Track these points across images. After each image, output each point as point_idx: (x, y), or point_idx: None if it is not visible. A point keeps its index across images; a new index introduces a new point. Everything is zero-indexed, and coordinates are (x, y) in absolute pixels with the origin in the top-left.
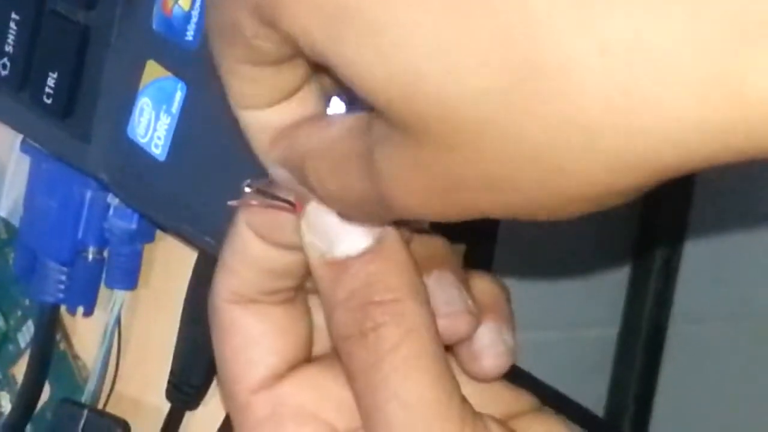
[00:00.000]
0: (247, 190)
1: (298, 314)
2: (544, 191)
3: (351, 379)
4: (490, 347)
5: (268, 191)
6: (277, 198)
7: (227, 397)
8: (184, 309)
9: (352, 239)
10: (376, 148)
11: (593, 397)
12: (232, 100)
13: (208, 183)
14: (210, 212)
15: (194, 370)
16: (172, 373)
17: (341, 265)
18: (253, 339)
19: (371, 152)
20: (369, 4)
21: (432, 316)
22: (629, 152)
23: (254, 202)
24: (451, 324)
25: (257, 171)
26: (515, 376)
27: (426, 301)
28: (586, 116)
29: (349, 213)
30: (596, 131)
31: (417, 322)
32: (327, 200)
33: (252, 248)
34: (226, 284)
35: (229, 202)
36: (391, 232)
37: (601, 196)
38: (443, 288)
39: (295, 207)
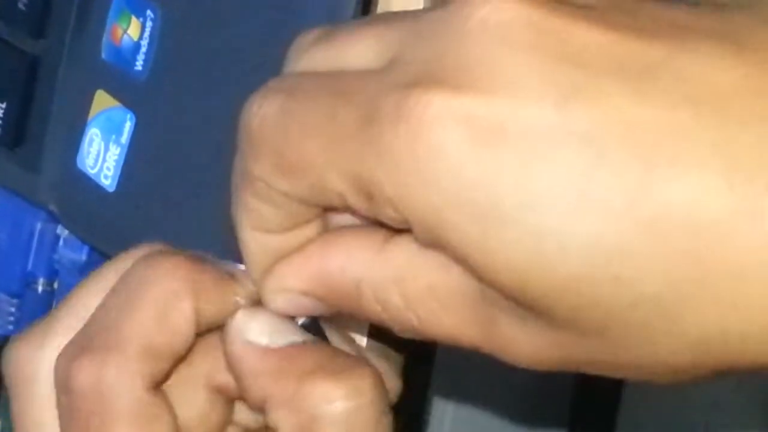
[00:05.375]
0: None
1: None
2: (679, 376)
3: None
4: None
5: None
6: None
7: None
8: None
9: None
10: (501, 315)
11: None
12: (242, 219)
13: (158, 214)
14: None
15: None
16: None
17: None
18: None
19: (491, 311)
20: (533, 212)
21: None
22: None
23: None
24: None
25: (205, 202)
26: None
27: None
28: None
29: (419, 337)
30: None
31: None
32: (402, 329)
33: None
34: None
35: None
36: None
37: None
38: None
39: None
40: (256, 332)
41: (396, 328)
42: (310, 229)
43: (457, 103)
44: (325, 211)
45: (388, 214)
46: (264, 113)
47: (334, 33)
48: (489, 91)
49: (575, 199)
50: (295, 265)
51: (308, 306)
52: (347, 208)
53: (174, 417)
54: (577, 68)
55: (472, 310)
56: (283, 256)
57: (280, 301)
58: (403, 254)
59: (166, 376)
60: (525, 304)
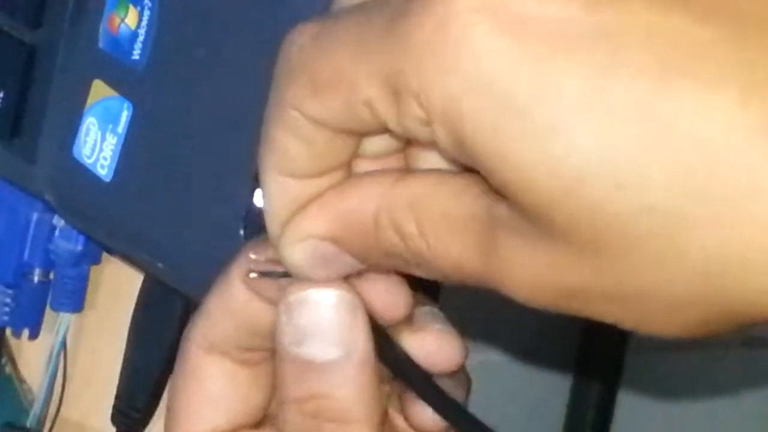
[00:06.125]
0: (252, 275)
1: (261, 380)
2: (680, 313)
3: None
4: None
5: (270, 272)
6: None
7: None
8: (130, 332)
9: (321, 345)
10: (503, 234)
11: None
12: (268, 160)
13: (154, 204)
14: (155, 234)
15: (139, 395)
16: (117, 397)
17: (305, 363)
18: (209, 394)
19: (493, 233)
20: (545, 106)
21: None
22: None
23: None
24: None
25: (202, 192)
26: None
27: (379, 422)
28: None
29: (429, 272)
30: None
31: None
32: (416, 260)
33: (239, 302)
34: (202, 330)
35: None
36: (362, 347)
37: (740, 322)
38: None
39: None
40: None
41: (409, 261)
42: (335, 178)
43: None
44: (356, 141)
45: (414, 113)
46: (302, 40)
47: None
48: None
49: (587, 95)
50: (314, 209)
51: (328, 254)
52: (377, 124)
53: None
54: None
55: (478, 235)
56: (302, 200)
57: (297, 253)
58: (419, 183)
59: None
60: (525, 208)
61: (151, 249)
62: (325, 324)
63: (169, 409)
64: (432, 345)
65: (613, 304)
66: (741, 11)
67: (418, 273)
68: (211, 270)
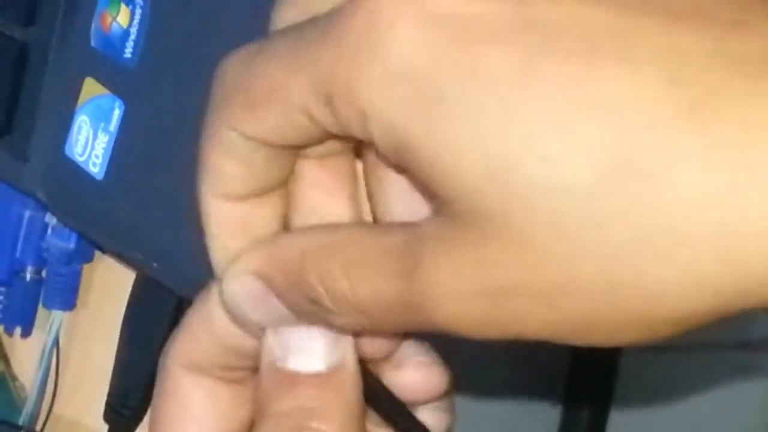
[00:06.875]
0: None
1: (244, 397)
2: (611, 305)
3: None
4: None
5: None
6: None
7: None
8: (122, 330)
9: (307, 357)
10: (426, 249)
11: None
12: (205, 183)
13: (146, 203)
14: (147, 232)
15: (132, 392)
16: (109, 394)
17: (288, 377)
18: (192, 412)
19: (414, 253)
20: (467, 88)
21: None
22: (721, 271)
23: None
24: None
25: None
26: None
27: None
28: (680, 223)
29: (350, 317)
30: (688, 241)
31: None
32: (338, 306)
33: (219, 322)
34: (183, 349)
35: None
36: (350, 360)
37: (667, 319)
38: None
39: None
40: None
41: (331, 308)
42: (272, 199)
43: None
44: (293, 157)
45: (348, 112)
46: (235, 61)
47: None
48: None
49: (513, 78)
50: (254, 244)
51: (258, 294)
52: (315, 132)
53: None
54: None
55: (398, 261)
56: (244, 232)
57: (233, 285)
58: (344, 229)
59: None
60: (451, 201)
61: (143, 247)
62: (313, 339)
63: (151, 426)
64: (413, 378)
65: (548, 302)
66: (671, 4)
67: (340, 322)
68: (203, 268)
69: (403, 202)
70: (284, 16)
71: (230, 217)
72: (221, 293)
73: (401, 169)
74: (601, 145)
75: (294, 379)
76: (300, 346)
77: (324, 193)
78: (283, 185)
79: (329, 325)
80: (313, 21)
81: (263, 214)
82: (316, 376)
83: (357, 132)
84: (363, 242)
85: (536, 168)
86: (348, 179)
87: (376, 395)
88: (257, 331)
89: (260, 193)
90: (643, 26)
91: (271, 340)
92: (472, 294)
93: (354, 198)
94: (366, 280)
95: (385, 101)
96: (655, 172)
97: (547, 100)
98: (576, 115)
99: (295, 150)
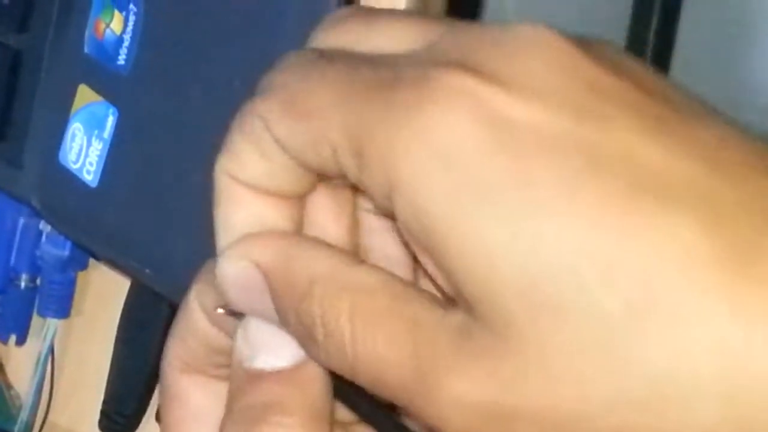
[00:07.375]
0: (219, 311)
1: None
2: None
3: None
4: None
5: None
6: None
7: None
8: (117, 338)
9: (273, 355)
10: (445, 341)
11: None
12: (223, 160)
13: (140, 210)
14: (141, 240)
15: (126, 400)
16: (104, 402)
17: (253, 376)
18: (194, 411)
19: (436, 340)
20: (520, 193)
21: None
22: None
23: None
24: None
25: (187, 197)
26: None
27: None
28: (695, 372)
29: (341, 368)
30: (700, 394)
31: None
32: (329, 346)
33: (200, 323)
34: (174, 351)
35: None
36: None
37: None
38: None
39: None
40: None
41: (319, 342)
42: (284, 208)
43: (479, 88)
44: (311, 180)
45: (376, 178)
46: (292, 63)
47: (374, 12)
48: (513, 88)
49: (561, 193)
50: (268, 234)
51: (252, 285)
52: (335, 169)
53: None
54: (598, 99)
55: (416, 340)
56: (252, 221)
57: (230, 267)
58: (374, 273)
59: None
60: (473, 298)
61: (138, 254)
62: (280, 337)
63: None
64: None
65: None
66: (714, 151)
67: (321, 358)
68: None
69: (385, 250)
70: (345, 29)
71: (241, 201)
72: (218, 267)
73: (417, 244)
74: (634, 279)
75: (259, 375)
76: (267, 343)
77: (328, 217)
78: (302, 198)
79: (308, 352)
80: (375, 61)
81: (274, 215)
82: (281, 373)
83: (375, 195)
84: (381, 299)
85: (575, 296)
86: (349, 208)
87: (354, 395)
88: (232, 331)
89: (275, 193)
90: (684, 169)
91: (240, 339)
92: (479, 410)
93: (353, 230)
94: (371, 339)
95: (419, 182)
96: (683, 314)
97: (589, 231)
98: (614, 250)
99: (314, 172)
